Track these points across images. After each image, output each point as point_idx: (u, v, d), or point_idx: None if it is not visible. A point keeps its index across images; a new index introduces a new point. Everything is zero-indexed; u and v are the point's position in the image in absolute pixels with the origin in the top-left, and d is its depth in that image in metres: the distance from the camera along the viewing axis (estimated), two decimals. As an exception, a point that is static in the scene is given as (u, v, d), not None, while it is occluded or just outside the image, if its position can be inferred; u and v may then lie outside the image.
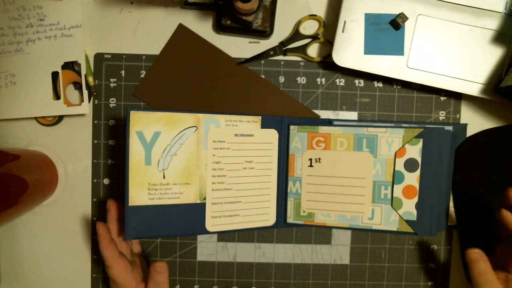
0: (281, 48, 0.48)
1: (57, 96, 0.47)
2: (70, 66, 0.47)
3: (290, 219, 0.47)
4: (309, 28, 0.49)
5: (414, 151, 0.44)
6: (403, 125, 0.48)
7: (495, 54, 0.45)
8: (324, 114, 0.49)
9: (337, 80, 0.49)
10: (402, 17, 0.45)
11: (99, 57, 0.49)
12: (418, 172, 0.44)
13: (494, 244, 0.44)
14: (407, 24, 0.45)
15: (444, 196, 0.47)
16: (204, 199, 0.44)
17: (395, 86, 0.49)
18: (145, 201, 0.42)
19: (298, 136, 0.47)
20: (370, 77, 0.48)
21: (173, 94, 0.49)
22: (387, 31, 0.46)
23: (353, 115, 0.49)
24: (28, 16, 0.47)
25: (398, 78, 0.46)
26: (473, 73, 0.46)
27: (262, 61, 0.49)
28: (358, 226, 0.46)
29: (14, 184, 0.41)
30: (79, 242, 0.50)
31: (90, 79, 0.48)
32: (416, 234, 0.44)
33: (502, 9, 0.45)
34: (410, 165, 0.44)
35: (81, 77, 0.47)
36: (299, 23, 0.48)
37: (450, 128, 0.48)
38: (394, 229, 0.45)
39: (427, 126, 0.47)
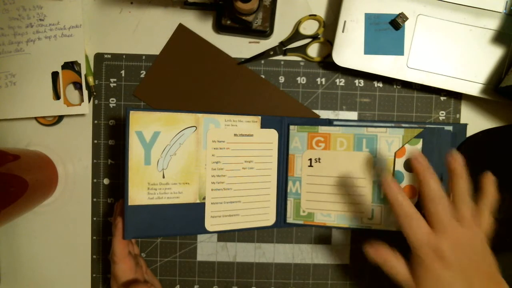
0: (281, 48, 0.48)
1: (57, 96, 0.47)
2: (70, 66, 0.47)
3: (290, 219, 0.47)
4: (309, 28, 0.49)
5: (414, 151, 0.44)
6: (403, 125, 0.48)
7: (495, 54, 0.45)
8: (324, 114, 0.49)
9: (337, 80, 0.49)
10: (402, 17, 0.44)
11: (99, 57, 0.49)
12: (418, 172, 0.44)
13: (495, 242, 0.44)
14: (407, 24, 0.45)
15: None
16: (204, 198, 0.44)
17: (395, 86, 0.49)
18: (145, 200, 0.42)
19: (298, 136, 0.47)
20: (370, 77, 0.48)
21: (173, 94, 0.49)
22: (387, 31, 0.46)
23: (353, 115, 0.49)
24: (28, 16, 0.47)
25: (398, 78, 0.46)
26: (473, 73, 0.46)
27: (262, 61, 0.49)
28: (358, 226, 0.46)
29: (14, 184, 0.41)
30: (79, 242, 0.50)
31: (90, 79, 0.48)
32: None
33: (502, 9, 0.45)
34: (410, 165, 0.44)
35: (81, 77, 0.47)
36: (299, 23, 0.48)
37: (450, 128, 0.48)
38: (394, 229, 0.45)
39: (427, 126, 0.47)
